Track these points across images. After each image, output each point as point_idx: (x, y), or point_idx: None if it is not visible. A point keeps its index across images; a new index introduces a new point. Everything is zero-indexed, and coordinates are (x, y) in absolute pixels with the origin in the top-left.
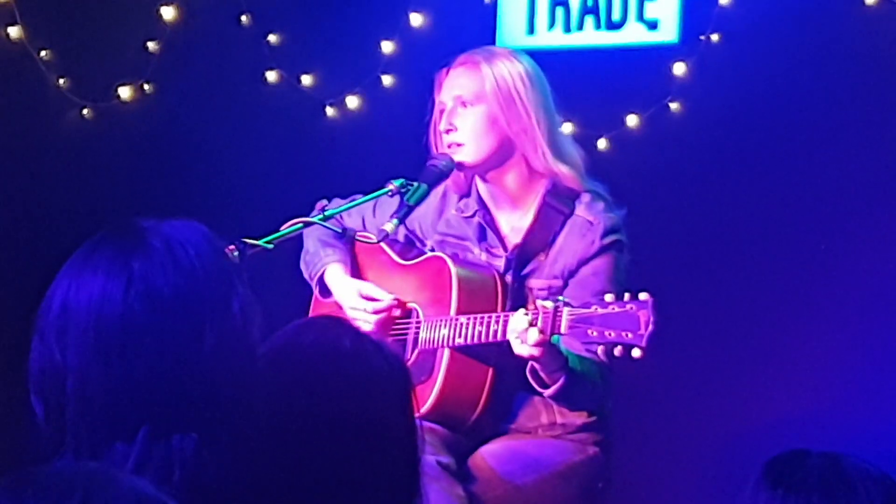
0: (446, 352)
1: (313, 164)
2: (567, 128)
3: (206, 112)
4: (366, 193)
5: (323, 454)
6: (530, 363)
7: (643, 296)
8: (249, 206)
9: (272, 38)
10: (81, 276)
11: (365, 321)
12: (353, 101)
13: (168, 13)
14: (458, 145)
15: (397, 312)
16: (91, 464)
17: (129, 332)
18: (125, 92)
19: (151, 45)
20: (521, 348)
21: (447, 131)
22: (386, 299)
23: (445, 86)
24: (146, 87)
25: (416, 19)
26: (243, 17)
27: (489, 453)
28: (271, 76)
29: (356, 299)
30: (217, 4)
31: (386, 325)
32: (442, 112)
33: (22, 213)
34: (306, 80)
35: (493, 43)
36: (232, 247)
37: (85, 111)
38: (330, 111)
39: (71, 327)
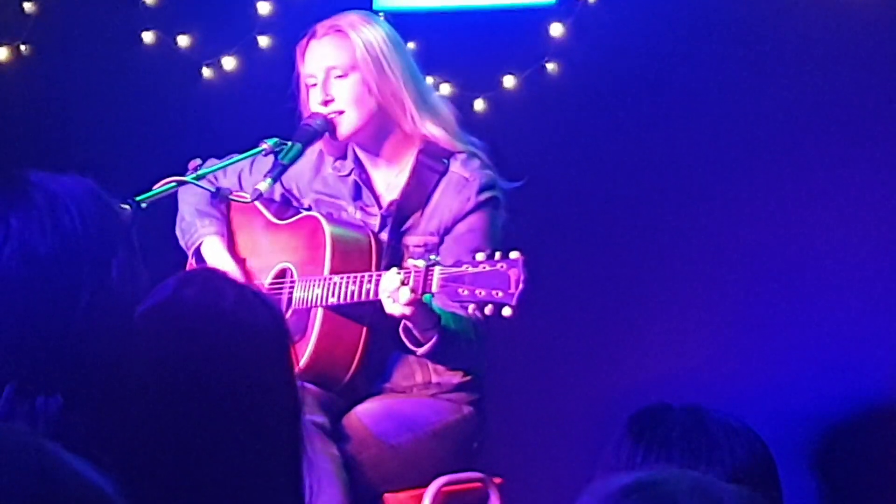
0: (320, 311)
1: (190, 125)
2: (444, 89)
3: (82, 73)
4: (242, 153)
5: (206, 411)
6: (403, 322)
7: (514, 254)
8: (126, 168)
9: None
10: None
11: None
12: (229, 63)
13: None
14: (339, 114)
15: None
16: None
17: (1, 289)
18: (1, 53)
19: (28, 5)
20: (393, 307)
21: (325, 102)
22: None
23: (311, 57)
24: (22, 48)
25: None
26: None
27: (364, 413)
28: (147, 37)
29: None
30: None
31: None
32: (312, 85)
33: None
34: (182, 40)
35: (371, 4)
36: (126, 206)
37: None
38: (206, 72)
39: None
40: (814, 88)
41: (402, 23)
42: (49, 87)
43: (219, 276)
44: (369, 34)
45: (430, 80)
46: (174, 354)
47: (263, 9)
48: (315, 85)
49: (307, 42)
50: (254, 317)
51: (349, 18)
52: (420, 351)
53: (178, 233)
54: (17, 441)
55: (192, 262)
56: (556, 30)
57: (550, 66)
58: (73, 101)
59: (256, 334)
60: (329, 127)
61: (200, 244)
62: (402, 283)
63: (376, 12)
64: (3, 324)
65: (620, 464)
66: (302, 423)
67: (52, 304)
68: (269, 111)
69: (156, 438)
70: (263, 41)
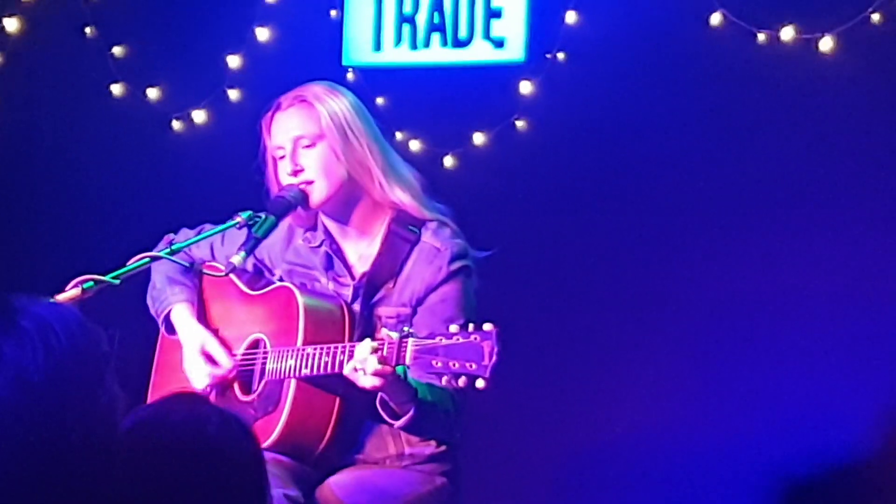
0: (293, 382)
1: (160, 176)
2: (414, 145)
3: (50, 125)
4: (213, 211)
5: None
6: (380, 395)
7: (487, 326)
8: (94, 224)
9: (117, 50)
10: None
11: (199, 380)
12: (199, 116)
13: (11, 24)
14: (309, 183)
15: (232, 375)
16: None
17: None
18: None
19: None
20: (365, 379)
21: (294, 173)
22: (225, 365)
23: (277, 129)
24: None
25: (262, 34)
26: (87, 29)
27: (336, 484)
28: (116, 89)
29: (197, 356)
30: (61, 16)
31: (221, 386)
32: (280, 157)
33: None
34: (152, 93)
35: (340, 59)
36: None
37: None
38: (176, 125)
39: None
40: (797, 150)
41: (371, 78)
42: (17, 139)
43: (203, 401)
44: (334, 104)
45: (399, 136)
46: (159, 474)
47: (233, 62)
48: (283, 157)
49: (272, 115)
50: (236, 443)
51: (313, 90)
52: (398, 424)
53: (148, 301)
54: None
55: (162, 330)
56: (526, 87)
57: (520, 124)
58: (41, 154)
59: (237, 460)
60: (303, 198)
61: (169, 311)
62: (375, 351)
63: (346, 68)
64: None
65: None
66: None
67: (44, 431)
68: (239, 165)
69: None
70: (233, 94)
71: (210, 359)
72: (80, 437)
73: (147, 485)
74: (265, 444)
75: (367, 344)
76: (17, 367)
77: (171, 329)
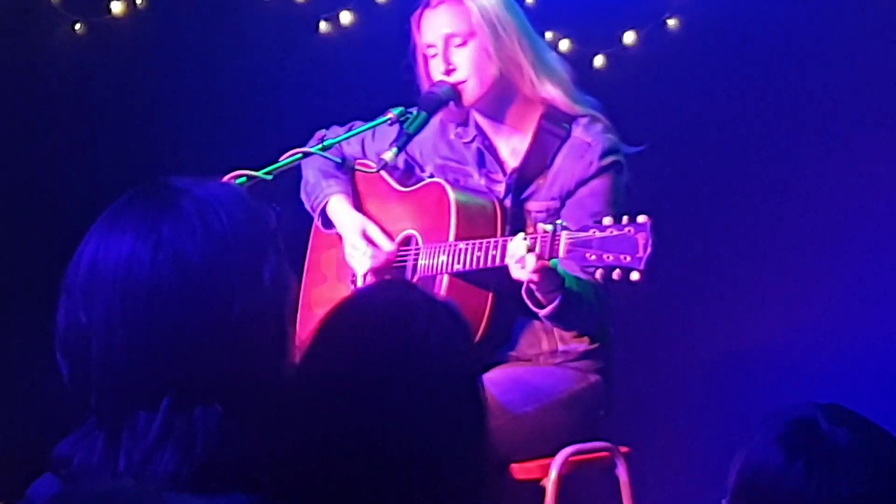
0: (445, 278)
1: (308, 78)
2: (563, 45)
3: (198, 27)
4: (361, 111)
5: (391, 415)
6: (526, 283)
7: (641, 218)
8: (245, 124)
9: None
10: (110, 236)
11: (361, 263)
12: (346, 17)
13: None
14: (462, 82)
15: (392, 261)
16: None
17: (156, 298)
18: (117, 6)
19: None
20: (520, 273)
21: (448, 72)
22: (385, 247)
23: (428, 26)
24: (138, 1)
25: None
26: None
27: (490, 382)
28: None
29: (359, 239)
30: None
31: (382, 268)
32: (432, 56)
33: (15, 129)
34: None
35: None
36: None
37: (77, 26)
38: (324, 26)
39: (98, 288)
40: None
41: None
42: (165, 42)
43: (413, 287)
44: (483, 0)
45: (549, 35)
46: (354, 355)
47: None
48: (435, 55)
49: (422, 12)
50: (442, 336)
51: None
52: (543, 312)
53: (302, 196)
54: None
55: (317, 223)
56: None
57: (671, 22)
58: (189, 56)
59: (444, 341)
60: (455, 95)
61: (326, 203)
62: (529, 249)
63: None
64: (158, 333)
65: (769, 473)
66: (486, 434)
67: (207, 312)
68: (386, 65)
69: (318, 448)
70: None
71: (371, 241)
72: (242, 317)
73: (339, 366)
74: None
75: (521, 238)
76: (175, 247)
77: (326, 222)
